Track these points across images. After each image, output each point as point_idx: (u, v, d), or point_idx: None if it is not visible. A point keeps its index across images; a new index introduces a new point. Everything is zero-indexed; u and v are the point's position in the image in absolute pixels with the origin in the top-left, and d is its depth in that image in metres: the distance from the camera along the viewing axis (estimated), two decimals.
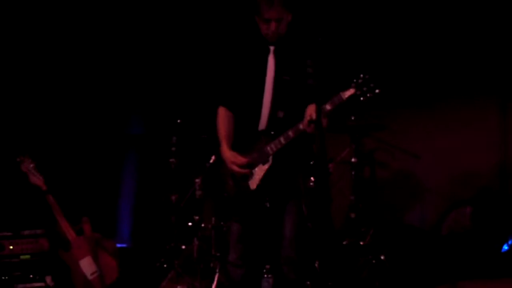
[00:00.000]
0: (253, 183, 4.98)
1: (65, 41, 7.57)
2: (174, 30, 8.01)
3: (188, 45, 8.00)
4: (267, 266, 5.53)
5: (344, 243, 6.28)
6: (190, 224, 6.43)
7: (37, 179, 6.04)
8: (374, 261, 6.15)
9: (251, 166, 4.96)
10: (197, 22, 7.93)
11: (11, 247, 6.09)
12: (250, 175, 4.97)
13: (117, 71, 7.90)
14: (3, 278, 6.01)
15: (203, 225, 6.36)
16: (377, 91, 4.60)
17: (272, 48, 5.00)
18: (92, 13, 7.67)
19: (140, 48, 7.99)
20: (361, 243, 6.25)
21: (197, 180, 6.38)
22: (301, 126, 4.75)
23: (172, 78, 8.00)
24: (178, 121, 6.57)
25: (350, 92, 4.65)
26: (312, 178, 5.30)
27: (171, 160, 6.62)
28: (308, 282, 5.28)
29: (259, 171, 4.97)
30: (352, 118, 6.29)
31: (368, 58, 7.35)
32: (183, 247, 6.52)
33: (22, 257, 6.10)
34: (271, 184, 4.96)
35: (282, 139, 4.85)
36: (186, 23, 7.97)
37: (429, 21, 7.22)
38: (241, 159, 4.94)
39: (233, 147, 5.04)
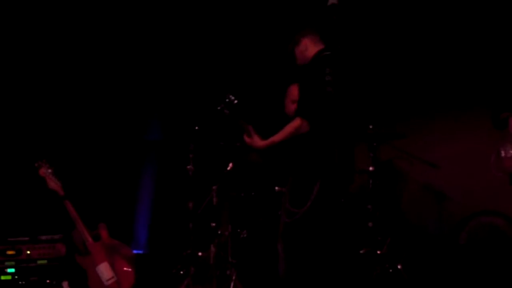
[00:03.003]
0: None
1: (84, 46, 7.64)
2: (191, 38, 8.09)
3: (208, 53, 8.07)
4: None
5: (361, 252, 6.31)
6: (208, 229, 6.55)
7: (55, 185, 6.12)
8: (391, 270, 6.20)
9: None
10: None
11: (28, 252, 6.24)
12: None
13: (136, 77, 7.95)
14: (20, 283, 6.14)
15: (219, 232, 6.45)
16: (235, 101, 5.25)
17: None
18: (112, 20, 7.75)
19: (159, 54, 8.05)
20: (378, 252, 6.29)
21: (214, 187, 6.50)
22: None
23: (190, 85, 8.06)
24: (196, 127, 6.62)
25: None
26: None
27: (188, 167, 6.64)
28: None
29: None
30: (370, 126, 6.39)
31: (385, 69, 7.45)
32: (200, 254, 6.53)
33: (39, 262, 6.27)
34: None
35: None
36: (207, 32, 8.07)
37: (446, 28, 7.26)
38: None
39: None
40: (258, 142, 5.35)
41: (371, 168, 6.44)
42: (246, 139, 5.37)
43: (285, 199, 5.31)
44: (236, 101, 5.26)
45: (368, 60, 7.36)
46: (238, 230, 6.29)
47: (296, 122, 5.21)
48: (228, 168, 6.48)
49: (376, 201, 6.43)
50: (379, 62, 7.44)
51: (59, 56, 7.52)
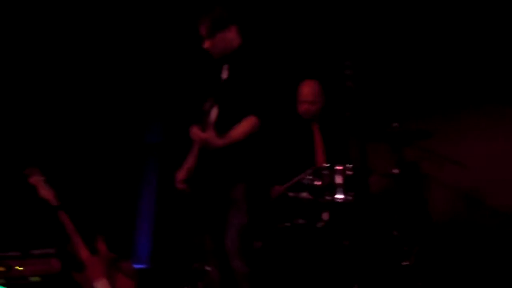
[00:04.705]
0: None
1: (79, 46, 7.68)
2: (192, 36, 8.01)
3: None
4: None
5: (386, 264, 6.13)
6: None
7: (47, 193, 6.09)
8: (420, 284, 6.07)
9: None
10: None
11: (19, 268, 6.10)
12: None
13: (134, 76, 7.97)
14: None
15: None
16: None
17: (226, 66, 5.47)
18: (111, 17, 7.80)
19: (158, 51, 8.09)
20: (405, 263, 6.11)
21: None
22: None
23: (192, 83, 7.82)
24: None
25: None
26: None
27: None
28: None
29: None
30: (395, 125, 6.27)
31: (408, 59, 7.40)
32: (208, 268, 6.21)
33: (31, 279, 6.11)
34: None
35: None
36: None
37: (478, 13, 7.15)
38: None
39: None
40: (215, 139, 5.12)
41: (395, 171, 6.29)
42: (200, 134, 5.16)
43: (241, 208, 5.21)
44: None
45: (389, 51, 7.38)
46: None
47: (254, 120, 5.15)
48: None
49: (402, 207, 6.35)
50: (401, 52, 7.40)
51: (53, 56, 7.53)
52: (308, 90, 6.61)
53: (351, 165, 5.85)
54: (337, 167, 5.81)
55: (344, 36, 7.29)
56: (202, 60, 6.60)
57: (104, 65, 7.80)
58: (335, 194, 5.79)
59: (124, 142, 7.94)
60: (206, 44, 5.37)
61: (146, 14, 7.96)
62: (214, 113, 5.28)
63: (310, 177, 5.88)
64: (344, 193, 5.78)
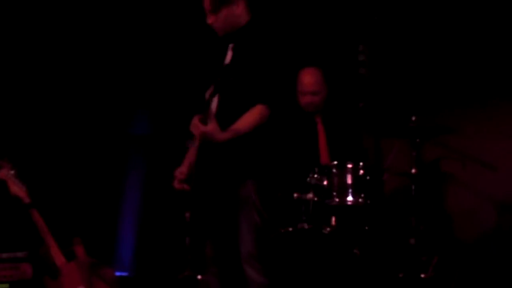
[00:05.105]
0: None
1: (58, 30, 7.50)
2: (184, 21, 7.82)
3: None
4: None
5: (400, 276, 6.02)
6: None
7: (18, 189, 5.88)
8: None
9: None
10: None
11: None
12: None
13: (118, 61, 7.78)
14: None
15: None
16: None
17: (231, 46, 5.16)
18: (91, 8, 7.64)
19: (145, 37, 7.87)
20: (423, 275, 5.98)
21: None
22: None
23: (183, 70, 7.78)
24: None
25: None
26: None
27: None
28: None
29: None
30: (413, 118, 6.07)
31: (429, 44, 7.13)
32: (199, 277, 6.33)
33: None
34: None
35: None
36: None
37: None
38: None
39: None
40: (218, 133, 4.72)
41: (413, 171, 6.11)
42: (200, 127, 4.73)
43: (253, 205, 4.89)
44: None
45: (408, 34, 7.19)
46: None
47: (262, 110, 4.80)
48: None
49: (420, 211, 6.14)
50: (421, 35, 7.15)
51: (28, 40, 7.36)
52: (309, 79, 6.36)
53: (362, 164, 5.72)
54: (348, 165, 5.71)
55: (356, 16, 7.06)
56: (203, 40, 6.37)
57: (82, 45, 7.60)
58: (344, 196, 5.69)
59: (105, 133, 7.70)
60: (210, 19, 5.03)
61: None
62: (215, 101, 5.01)
63: (317, 176, 5.71)
64: (354, 195, 5.67)
